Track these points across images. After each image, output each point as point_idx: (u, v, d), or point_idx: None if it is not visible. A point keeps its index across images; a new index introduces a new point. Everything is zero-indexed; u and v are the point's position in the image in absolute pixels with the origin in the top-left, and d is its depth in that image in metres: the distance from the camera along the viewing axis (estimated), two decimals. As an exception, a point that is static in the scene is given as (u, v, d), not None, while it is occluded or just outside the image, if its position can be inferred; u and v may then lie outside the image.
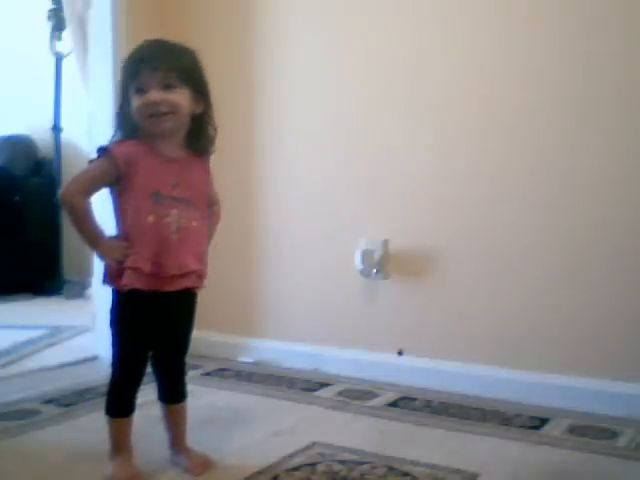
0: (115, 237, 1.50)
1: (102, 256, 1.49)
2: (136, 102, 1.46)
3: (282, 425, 1.89)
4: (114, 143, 1.50)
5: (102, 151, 1.48)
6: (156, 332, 1.55)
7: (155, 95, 1.44)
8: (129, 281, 1.46)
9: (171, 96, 1.45)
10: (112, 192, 1.51)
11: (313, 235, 2.49)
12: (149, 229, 1.46)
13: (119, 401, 1.55)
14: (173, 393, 1.61)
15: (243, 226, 2.60)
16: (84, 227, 1.47)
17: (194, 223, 1.52)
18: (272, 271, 2.58)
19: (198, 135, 1.54)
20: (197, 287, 1.56)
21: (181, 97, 1.47)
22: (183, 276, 1.50)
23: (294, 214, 2.53)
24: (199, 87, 1.52)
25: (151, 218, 1.46)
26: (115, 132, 1.53)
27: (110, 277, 1.50)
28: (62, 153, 4.20)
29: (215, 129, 1.57)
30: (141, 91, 1.45)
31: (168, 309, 1.53)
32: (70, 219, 1.49)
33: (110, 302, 1.53)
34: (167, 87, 1.45)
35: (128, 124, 1.51)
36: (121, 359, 1.54)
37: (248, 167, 2.60)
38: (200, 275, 1.55)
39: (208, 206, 1.60)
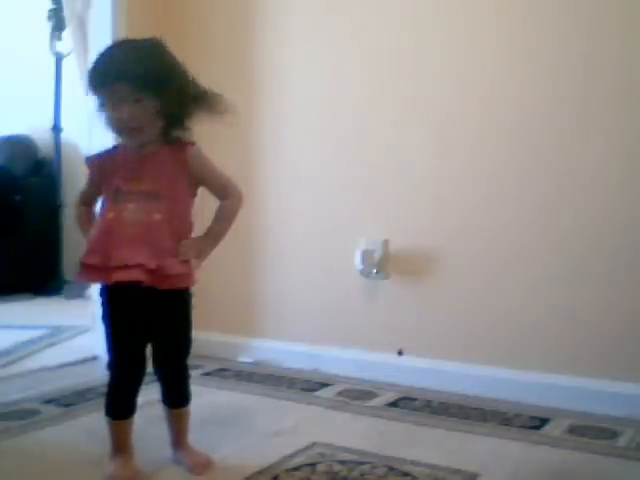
0: None
1: None
2: (105, 115, 1.47)
3: (282, 425, 1.89)
4: (96, 153, 1.57)
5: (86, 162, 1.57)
6: (146, 335, 1.54)
7: (118, 114, 1.44)
8: (78, 274, 1.50)
9: (135, 111, 1.44)
10: None
11: (313, 235, 2.49)
12: (107, 225, 1.49)
13: (118, 403, 1.55)
14: (175, 398, 1.61)
15: (243, 226, 2.58)
16: (84, 233, 1.55)
17: (157, 216, 1.47)
18: (272, 271, 2.59)
19: (171, 128, 1.51)
20: (143, 282, 1.44)
21: (144, 110, 1.44)
22: (125, 268, 1.44)
23: (294, 214, 2.53)
24: (161, 86, 1.46)
25: (111, 214, 1.49)
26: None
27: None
28: (62, 153, 4.21)
29: (187, 116, 1.51)
30: (103, 107, 1.47)
31: (150, 310, 1.51)
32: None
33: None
34: (135, 101, 1.43)
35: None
36: (114, 363, 1.54)
37: (248, 167, 2.60)
38: (157, 273, 1.45)
39: (223, 197, 1.57)
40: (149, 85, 1.45)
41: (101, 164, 1.54)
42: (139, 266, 1.44)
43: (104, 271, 1.46)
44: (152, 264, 1.45)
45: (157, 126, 1.49)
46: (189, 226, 1.55)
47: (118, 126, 1.47)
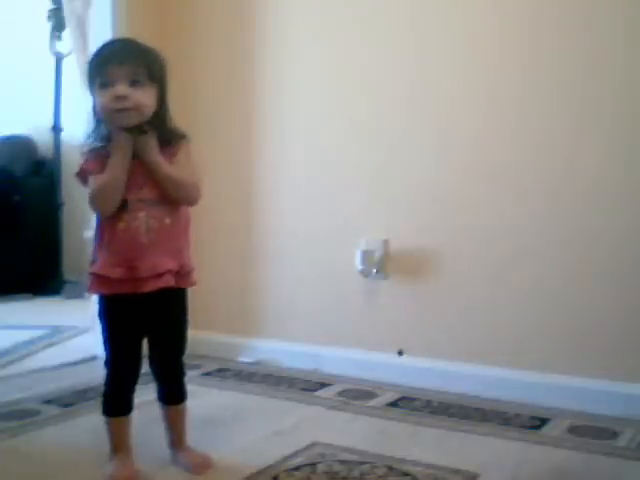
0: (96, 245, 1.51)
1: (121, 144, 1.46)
2: (101, 96, 1.44)
3: (282, 425, 1.89)
4: (84, 163, 1.49)
5: (80, 177, 1.50)
6: (142, 332, 1.55)
7: (121, 89, 1.42)
8: (93, 287, 1.49)
9: (137, 93, 1.43)
10: None
11: (313, 235, 2.49)
12: (120, 236, 1.47)
13: (115, 400, 1.55)
14: (171, 394, 1.61)
15: (243, 226, 2.60)
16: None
17: (167, 220, 1.50)
18: (272, 271, 2.58)
19: (161, 130, 1.51)
20: (173, 286, 1.51)
21: (146, 95, 1.45)
22: (157, 277, 1.48)
23: (294, 214, 2.53)
24: (163, 86, 1.51)
25: (121, 225, 1.47)
26: (90, 128, 1.53)
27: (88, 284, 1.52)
28: (62, 153, 4.20)
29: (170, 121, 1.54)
30: (106, 85, 1.43)
31: (149, 309, 1.52)
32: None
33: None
34: (134, 83, 1.44)
35: (96, 121, 1.51)
36: (111, 360, 1.54)
37: (248, 167, 2.60)
38: (179, 273, 1.52)
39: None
40: (155, 75, 1.47)
41: (103, 160, 1.47)
42: (168, 272, 1.48)
43: (132, 282, 1.46)
44: (177, 266, 1.51)
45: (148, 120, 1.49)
46: (189, 220, 1.57)
47: (117, 106, 1.42)
